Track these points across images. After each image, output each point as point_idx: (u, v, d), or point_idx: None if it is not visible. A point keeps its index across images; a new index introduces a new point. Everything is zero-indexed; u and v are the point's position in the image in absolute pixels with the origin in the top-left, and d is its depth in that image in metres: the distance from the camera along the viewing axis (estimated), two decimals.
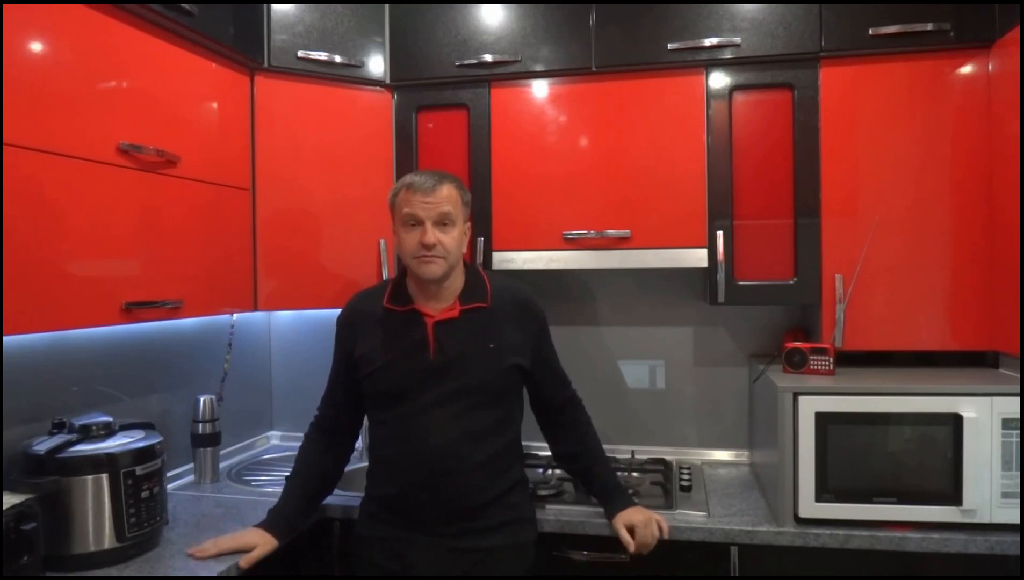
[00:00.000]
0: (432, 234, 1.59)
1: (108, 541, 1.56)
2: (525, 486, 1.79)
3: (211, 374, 2.35)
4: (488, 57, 2.19)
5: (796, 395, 1.79)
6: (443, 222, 1.61)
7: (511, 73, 2.19)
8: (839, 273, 2.00)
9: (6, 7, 1.36)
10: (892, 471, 1.76)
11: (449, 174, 1.68)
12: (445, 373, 1.62)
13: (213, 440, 2.18)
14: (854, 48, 1.99)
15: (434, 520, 1.62)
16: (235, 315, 2.41)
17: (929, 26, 1.94)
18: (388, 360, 1.64)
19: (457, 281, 1.69)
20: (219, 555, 1.59)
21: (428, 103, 2.28)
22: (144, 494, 1.61)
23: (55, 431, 1.63)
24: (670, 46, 2.08)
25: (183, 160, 1.81)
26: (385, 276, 2.26)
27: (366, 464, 1.79)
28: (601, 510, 1.84)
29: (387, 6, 2.27)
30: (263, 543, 1.64)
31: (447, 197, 1.61)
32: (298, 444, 2.56)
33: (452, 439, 1.60)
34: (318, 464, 1.80)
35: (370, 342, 1.67)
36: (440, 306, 1.66)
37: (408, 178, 1.65)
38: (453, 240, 1.62)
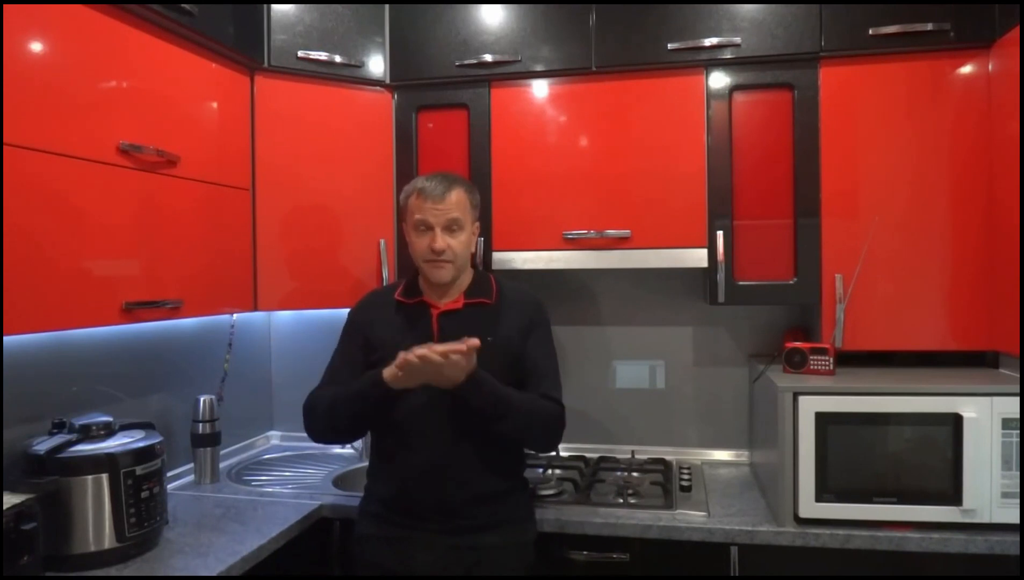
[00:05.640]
0: (442, 240, 1.64)
1: (108, 541, 1.56)
2: (525, 486, 1.80)
3: (211, 374, 2.35)
4: (488, 57, 2.19)
5: (796, 395, 1.80)
6: (452, 227, 1.66)
7: (511, 73, 2.19)
8: (839, 273, 2.00)
9: (6, 7, 1.36)
10: (892, 471, 1.76)
11: (459, 177, 1.73)
12: None
13: (213, 440, 2.18)
14: (854, 48, 1.99)
15: (433, 516, 1.63)
16: (235, 315, 2.41)
17: (929, 26, 1.93)
18: (396, 347, 1.64)
19: (465, 279, 1.74)
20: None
21: (428, 103, 2.28)
22: (144, 494, 1.61)
23: (55, 431, 1.63)
24: (670, 46, 2.08)
25: (183, 160, 1.81)
26: (385, 276, 2.26)
27: (366, 464, 1.79)
28: (601, 510, 1.89)
29: (387, 6, 2.27)
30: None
31: (456, 203, 1.66)
32: (298, 444, 2.61)
33: (450, 431, 1.62)
34: None
35: (381, 330, 1.71)
36: (447, 300, 1.72)
37: (419, 183, 1.69)
38: (461, 244, 1.68)
